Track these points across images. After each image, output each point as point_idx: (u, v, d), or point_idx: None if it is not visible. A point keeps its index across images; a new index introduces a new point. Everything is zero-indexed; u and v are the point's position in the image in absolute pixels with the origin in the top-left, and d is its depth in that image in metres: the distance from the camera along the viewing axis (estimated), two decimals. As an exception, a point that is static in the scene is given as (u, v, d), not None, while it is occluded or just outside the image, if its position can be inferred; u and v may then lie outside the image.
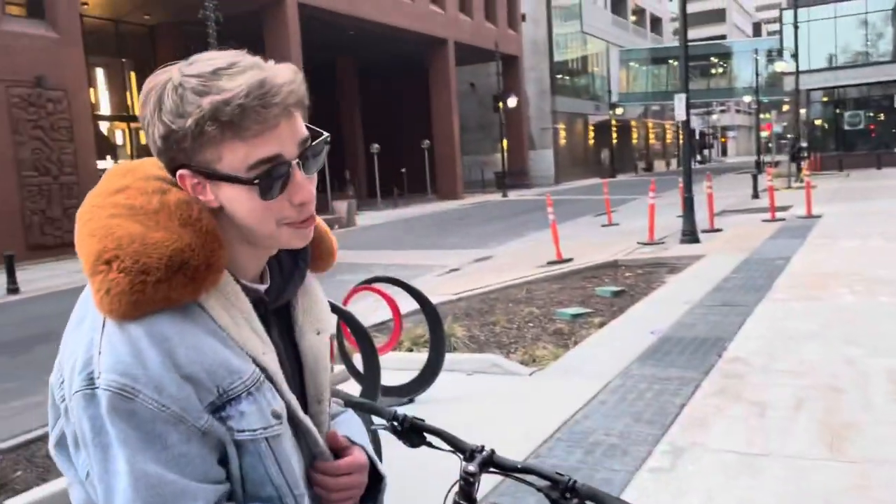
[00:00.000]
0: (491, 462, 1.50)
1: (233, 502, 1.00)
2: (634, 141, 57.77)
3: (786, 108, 49.63)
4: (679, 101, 11.75)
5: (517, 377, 5.36)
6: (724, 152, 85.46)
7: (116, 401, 0.91)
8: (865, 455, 3.47)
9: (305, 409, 1.11)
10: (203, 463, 0.96)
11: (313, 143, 0.98)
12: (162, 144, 0.94)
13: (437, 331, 4.88)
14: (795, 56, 27.89)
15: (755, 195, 20.65)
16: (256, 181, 0.93)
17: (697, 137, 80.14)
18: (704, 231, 12.64)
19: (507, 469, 1.51)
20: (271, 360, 1.03)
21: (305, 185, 0.97)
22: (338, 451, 1.16)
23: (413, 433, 1.61)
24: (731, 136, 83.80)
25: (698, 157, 70.17)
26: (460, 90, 35.54)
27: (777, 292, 7.32)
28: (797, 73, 28.16)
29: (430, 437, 1.65)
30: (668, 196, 20.18)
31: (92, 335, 0.95)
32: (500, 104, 33.72)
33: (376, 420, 1.66)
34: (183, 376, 0.93)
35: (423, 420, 1.63)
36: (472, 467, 1.48)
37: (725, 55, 52.46)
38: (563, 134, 43.45)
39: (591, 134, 48.48)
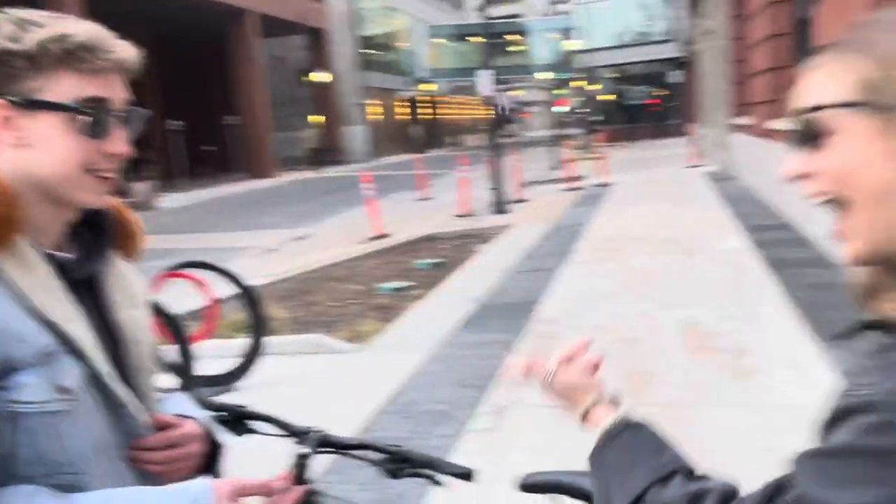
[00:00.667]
0: (324, 442, 1.47)
1: None
2: (444, 116, 59.20)
3: (578, 84, 53.37)
4: (483, 77, 12.15)
5: (343, 355, 5.33)
6: (528, 127, 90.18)
7: None
8: (662, 399, 3.85)
9: (127, 382, 1.06)
10: None
11: (136, 109, 1.01)
12: None
13: (256, 314, 4.71)
14: (584, 35, 29.93)
15: (555, 167, 22.05)
16: (85, 113, 0.93)
17: (502, 112, 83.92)
18: (512, 202, 13.28)
19: (341, 447, 1.48)
20: (78, 329, 0.97)
21: (124, 138, 0.98)
22: (165, 427, 1.12)
23: (238, 422, 1.53)
24: (533, 112, 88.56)
25: (505, 132, 73.39)
26: (269, 64, 34.28)
27: (579, 256, 7.88)
28: (586, 51, 30.25)
29: (256, 425, 1.58)
30: (479, 169, 20.95)
31: None
32: (309, 79, 32.99)
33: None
34: None
35: (246, 407, 1.55)
36: (304, 449, 1.44)
37: (523, 33, 54.94)
38: (375, 110, 43.49)
39: (403, 110, 48.98)
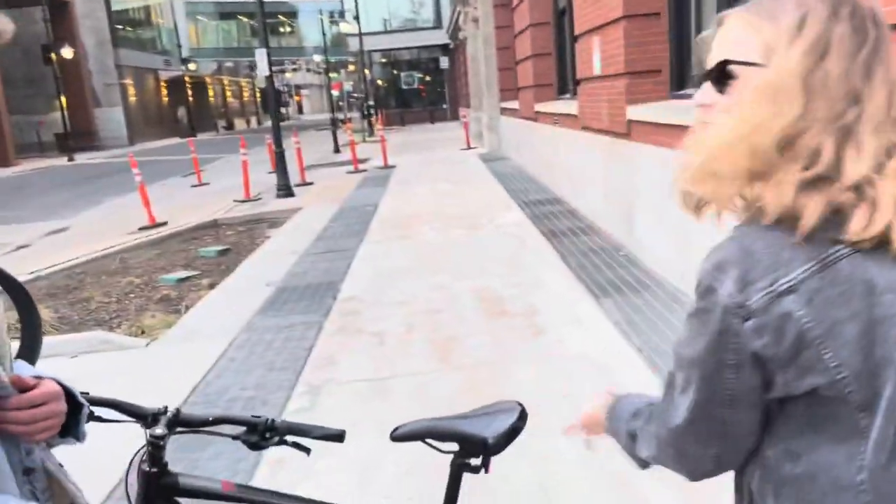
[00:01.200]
0: (178, 421, 1.40)
1: None
2: (211, 99, 56.20)
3: (352, 67, 53.40)
4: (260, 56, 11.77)
5: (133, 350, 4.95)
6: (301, 110, 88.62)
7: None
8: (468, 361, 4.09)
9: None
10: None
11: None
12: None
13: (29, 311, 4.20)
14: (357, 18, 30.07)
15: (336, 150, 22.00)
16: None
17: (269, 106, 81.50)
18: (297, 185, 13.07)
19: (197, 425, 1.43)
20: None
21: None
22: (26, 389, 1.12)
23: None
24: (305, 95, 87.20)
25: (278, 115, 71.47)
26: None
27: (373, 235, 8.01)
28: (360, 34, 30.43)
29: (99, 411, 1.47)
30: (256, 153, 20.21)
31: None
32: (53, 56, 29.53)
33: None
34: None
35: (87, 392, 1.44)
36: (159, 430, 1.37)
37: (292, 14, 53.84)
38: (132, 90, 40.06)
39: (165, 91, 45.68)
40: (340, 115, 40.43)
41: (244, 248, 8.70)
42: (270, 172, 16.80)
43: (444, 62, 35.90)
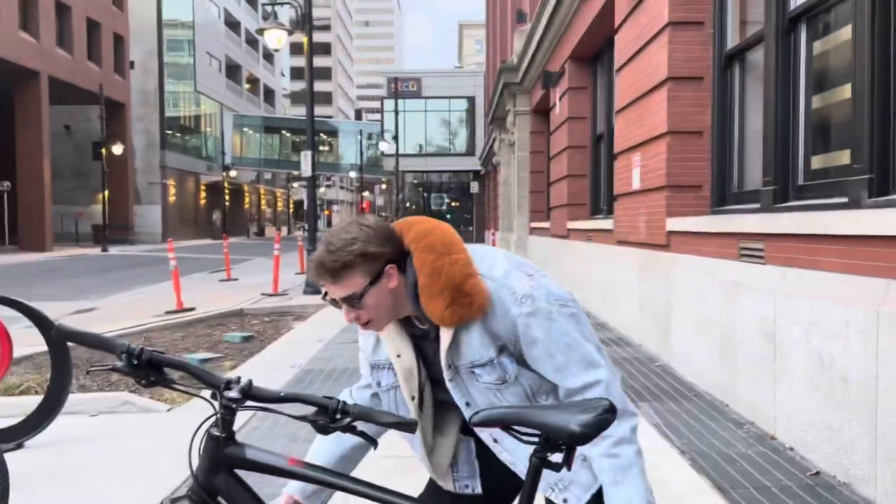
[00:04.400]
0: (250, 394, 1.36)
1: None
2: (246, 205, 57.96)
3: (384, 186, 55.18)
4: (306, 157, 12.22)
5: (154, 413, 4.84)
6: (330, 223, 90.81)
7: None
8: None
9: None
10: None
11: None
12: None
13: (62, 358, 4.17)
14: (395, 138, 31.40)
15: (364, 258, 22.32)
16: None
17: (306, 208, 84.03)
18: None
19: (268, 400, 1.37)
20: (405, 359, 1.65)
21: None
22: None
23: (151, 368, 1.37)
24: (335, 210, 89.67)
25: (305, 227, 73.27)
26: (53, 131, 31.73)
27: (400, 331, 7.95)
28: (397, 155, 31.66)
29: (171, 374, 1.43)
30: (286, 257, 20.62)
31: None
32: (104, 151, 30.93)
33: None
34: None
35: (163, 352, 1.40)
36: (234, 394, 1.32)
37: (333, 133, 56.35)
38: (172, 190, 41.54)
39: (203, 194, 47.29)
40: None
41: (269, 337, 8.67)
42: (298, 273, 17.05)
43: (475, 187, 37.00)
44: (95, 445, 4.07)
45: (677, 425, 4.27)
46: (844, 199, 3.87)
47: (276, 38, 12.21)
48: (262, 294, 12.33)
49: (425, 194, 42.98)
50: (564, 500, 1.56)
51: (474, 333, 1.54)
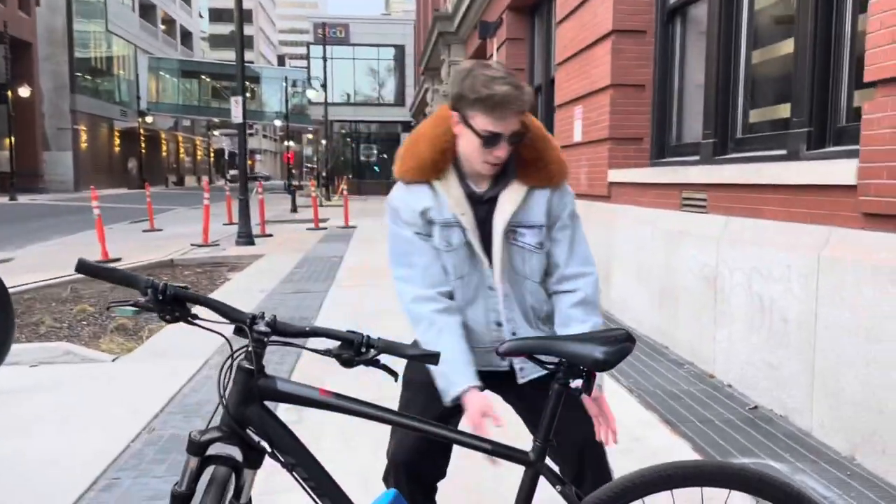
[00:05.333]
0: (275, 328, 1.36)
1: None
2: (164, 154, 55.66)
3: (310, 136, 53.88)
4: (236, 102, 11.83)
5: (99, 364, 4.72)
6: (253, 174, 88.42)
7: None
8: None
9: (486, 249, 1.82)
10: None
11: (505, 134, 1.69)
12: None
13: (2, 307, 3.99)
14: (325, 87, 30.63)
15: (294, 209, 21.95)
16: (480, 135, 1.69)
17: (227, 157, 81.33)
18: (257, 236, 12.92)
19: (293, 335, 1.39)
20: (465, 219, 1.79)
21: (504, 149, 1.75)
22: None
23: (176, 304, 1.36)
24: (259, 159, 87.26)
25: (228, 176, 71.10)
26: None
27: (343, 281, 7.94)
28: (326, 104, 30.93)
29: (196, 309, 1.42)
30: (212, 208, 20.02)
31: None
32: (9, 94, 28.98)
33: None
34: None
35: (187, 288, 1.39)
36: (264, 327, 1.33)
37: (255, 79, 54.39)
38: (84, 137, 39.42)
39: (118, 141, 45.09)
40: (295, 181, 40.53)
41: (204, 288, 8.49)
42: (227, 224, 16.63)
43: (405, 138, 36.63)
44: (43, 397, 3.94)
45: (622, 366, 4.47)
46: (783, 152, 4.07)
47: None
48: (192, 244, 12.00)
49: (353, 145, 42.30)
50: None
51: (541, 199, 1.78)
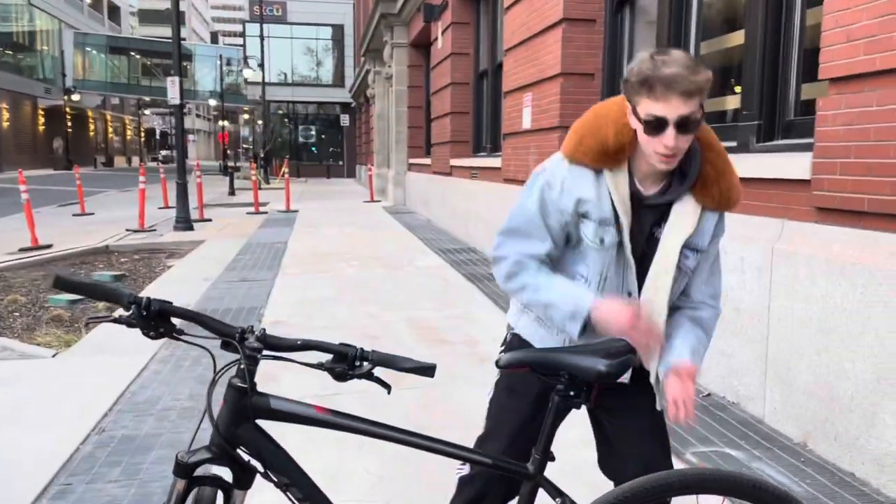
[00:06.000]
0: (266, 342, 1.30)
1: None
2: (92, 133, 53.44)
3: (246, 116, 52.55)
4: (173, 83, 11.42)
5: (39, 360, 4.49)
6: (186, 154, 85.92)
7: None
8: (418, 381, 4.00)
9: (639, 263, 1.73)
10: None
11: (685, 118, 1.52)
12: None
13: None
14: (262, 66, 29.88)
15: (232, 192, 21.42)
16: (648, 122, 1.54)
17: (158, 137, 78.71)
18: (195, 220, 12.55)
19: (285, 348, 1.33)
20: (624, 218, 1.67)
21: (673, 136, 1.56)
22: None
23: (160, 319, 1.28)
24: (192, 140, 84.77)
25: (160, 156, 68.82)
26: None
27: (288, 269, 7.78)
28: (263, 83, 30.19)
29: (181, 324, 1.35)
30: (147, 190, 19.34)
31: None
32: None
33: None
34: None
35: (171, 302, 1.31)
36: (254, 342, 1.27)
37: (188, 56, 52.66)
38: (5, 115, 37.47)
39: (42, 120, 43.02)
40: (231, 163, 39.54)
41: (141, 276, 8.22)
42: (162, 208, 16.10)
43: (345, 119, 36.17)
44: (-21, 396, 3.74)
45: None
46: (733, 143, 4.16)
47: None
48: (127, 230, 11.57)
49: (291, 125, 41.47)
50: None
51: (710, 223, 1.67)
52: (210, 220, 13.43)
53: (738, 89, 4.40)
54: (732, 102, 4.50)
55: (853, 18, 2.85)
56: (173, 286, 6.96)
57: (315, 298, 6.23)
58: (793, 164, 3.25)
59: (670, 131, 1.49)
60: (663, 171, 1.62)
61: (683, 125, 1.50)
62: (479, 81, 10.80)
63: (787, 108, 3.87)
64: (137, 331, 1.35)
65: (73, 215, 14.99)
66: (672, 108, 1.48)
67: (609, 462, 1.74)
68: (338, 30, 39.81)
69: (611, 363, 1.29)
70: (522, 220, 1.71)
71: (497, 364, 1.40)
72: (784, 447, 3.10)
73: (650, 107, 1.49)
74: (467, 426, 3.46)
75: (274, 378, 4.08)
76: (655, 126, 1.50)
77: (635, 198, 1.64)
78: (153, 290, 6.85)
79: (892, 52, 2.65)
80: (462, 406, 3.63)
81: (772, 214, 3.44)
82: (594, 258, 1.67)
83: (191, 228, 11.62)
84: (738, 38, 4.33)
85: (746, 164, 3.69)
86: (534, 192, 1.70)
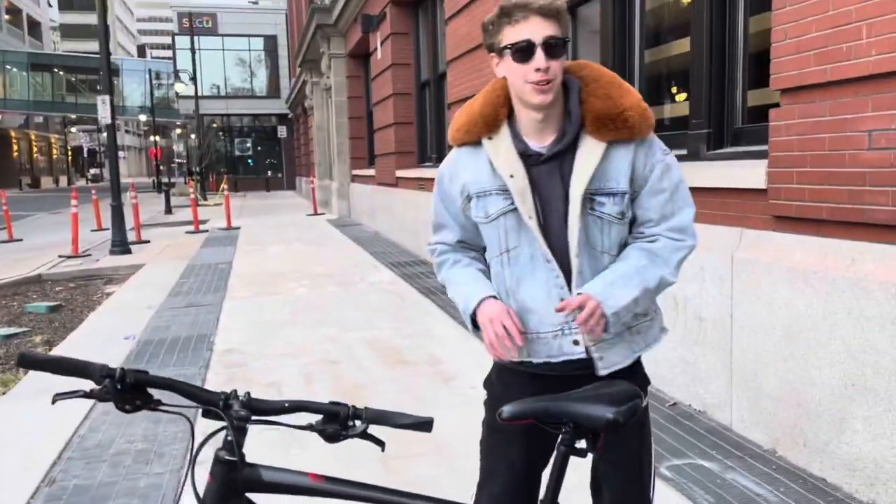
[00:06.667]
0: (252, 408, 1.21)
1: None
2: (15, 154, 51.24)
3: (179, 131, 51.23)
4: (103, 103, 11.00)
5: (-27, 407, 4.21)
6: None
7: None
8: (381, 405, 3.90)
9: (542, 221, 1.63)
10: None
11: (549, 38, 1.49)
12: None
13: None
14: (194, 80, 29.15)
15: (168, 211, 20.81)
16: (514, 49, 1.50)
17: (87, 155, 76.02)
18: (132, 243, 12.11)
19: (272, 412, 1.23)
20: (515, 182, 1.58)
21: (542, 58, 1.51)
22: None
23: (136, 391, 1.17)
24: (122, 157, 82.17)
25: (89, 175, 66.51)
26: None
27: (235, 292, 7.55)
28: (197, 97, 29.46)
29: (158, 394, 1.23)
30: (85, 210, 18.60)
31: None
32: None
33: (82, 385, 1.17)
34: None
35: (146, 372, 1.20)
36: (243, 411, 1.17)
37: (115, 72, 51.11)
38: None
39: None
40: (166, 179, 38.44)
41: (79, 305, 7.86)
42: (95, 230, 15.50)
43: (283, 131, 35.62)
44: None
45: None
46: (684, 151, 4.21)
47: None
48: (61, 256, 11.08)
49: (226, 139, 40.58)
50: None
51: (624, 157, 1.53)
52: (148, 241, 12.98)
53: (680, 98, 4.46)
54: (681, 110, 4.56)
55: (802, 30, 2.90)
56: (115, 315, 6.67)
57: (267, 322, 6.05)
58: (749, 174, 3.29)
59: (539, 53, 1.45)
60: (555, 121, 1.54)
61: (550, 47, 1.46)
62: (422, 91, 10.75)
63: (735, 116, 3.93)
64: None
65: (1, 242, 14.31)
66: (535, 29, 1.46)
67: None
68: (270, 40, 39.22)
69: (618, 410, 1.24)
70: (435, 212, 1.74)
71: (499, 417, 1.33)
72: (755, 455, 3.13)
73: (513, 33, 1.47)
74: (439, 450, 3.40)
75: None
76: (523, 50, 1.46)
77: (529, 156, 1.55)
78: (93, 321, 6.55)
79: (843, 63, 2.70)
80: (435, 430, 3.53)
81: (729, 223, 3.48)
82: (489, 235, 1.63)
83: (128, 252, 11.20)
84: (683, 45, 4.39)
85: (700, 173, 3.73)
86: (436, 184, 1.73)
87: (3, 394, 4.55)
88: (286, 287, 7.71)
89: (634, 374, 1.62)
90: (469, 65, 7.20)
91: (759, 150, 3.57)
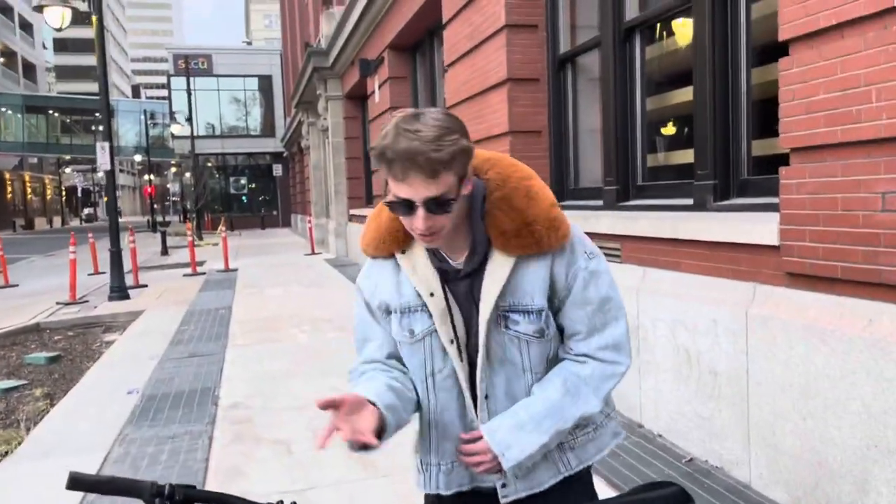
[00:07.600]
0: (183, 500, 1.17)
1: None
2: (10, 195, 51.27)
3: (174, 169, 51.47)
4: (102, 149, 11.04)
5: (-23, 471, 4.13)
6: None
7: None
8: (397, 465, 3.85)
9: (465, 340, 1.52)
10: None
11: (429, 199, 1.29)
12: None
13: None
14: (190, 120, 29.35)
15: (165, 252, 20.77)
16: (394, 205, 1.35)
17: (80, 195, 76.10)
18: (131, 287, 12.06)
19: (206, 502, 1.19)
20: (434, 300, 1.49)
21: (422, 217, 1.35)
22: None
23: (186, 508, 1.15)
24: (117, 196, 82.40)
25: (83, 215, 66.47)
26: None
27: (237, 338, 7.51)
28: (192, 137, 29.64)
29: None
30: (82, 252, 18.54)
31: None
32: None
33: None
34: None
35: (194, 486, 1.18)
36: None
37: (111, 113, 51.45)
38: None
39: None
40: (161, 218, 38.48)
41: (79, 355, 7.80)
42: (92, 274, 15.43)
43: (278, 169, 35.80)
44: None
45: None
46: (689, 201, 4.24)
47: (59, 16, 10.79)
48: (58, 303, 11.01)
49: (220, 177, 40.73)
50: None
51: (538, 271, 1.40)
52: (146, 285, 12.93)
53: (684, 147, 4.50)
54: (684, 158, 4.60)
55: (810, 91, 2.94)
56: (118, 368, 6.60)
57: (270, 373, 6.00)
58: (761, 230, 3.30)
59: (420, 212, 1.27)
60: (462, 238, 1.41)
61: (434, 205, 1.27)
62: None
63: (740, 167, 3.97)
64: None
65: (-4, 289, 14.23)
66: (416, 191, 1.25)
67: None
68: (265, 80, 39.62)
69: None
70: (358, 327, 1.61)
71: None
72: (776, 515, 3.09)
73: (394, 186, 1.27)
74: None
75: (240, 472, 3.88)
76: (405, 206, 1.28)
77: (446, 272, 1.43)
78: (96, 372, 6.48)
79: (853, 126, 2.73)
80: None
81: (740, 278, 3.48)
82: (408, 354, 1.50)
83: (126, 297, 11.14)
84: (686, 94, 4.45)
85: (710, 228, 3.75)
86: (356, 296, 1.60)
87: (6, 454, 4.47)
88: (287, 333, 7.66)
89: (564, 496, 1.51)
90: (469, 112, 7.27)
91: (766, 202, 3.60)
